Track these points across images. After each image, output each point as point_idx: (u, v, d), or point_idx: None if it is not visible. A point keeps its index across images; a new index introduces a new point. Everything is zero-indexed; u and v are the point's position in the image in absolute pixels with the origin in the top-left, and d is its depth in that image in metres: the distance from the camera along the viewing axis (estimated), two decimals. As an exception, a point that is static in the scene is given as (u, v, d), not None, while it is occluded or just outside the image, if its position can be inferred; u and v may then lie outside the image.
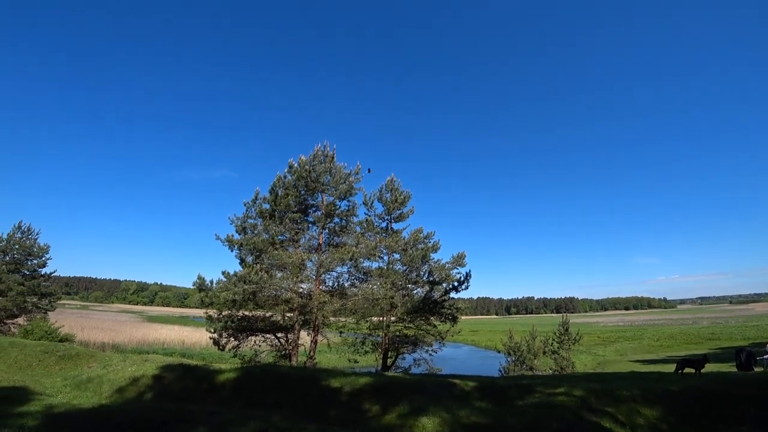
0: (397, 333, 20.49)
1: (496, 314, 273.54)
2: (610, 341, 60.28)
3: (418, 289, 20.78)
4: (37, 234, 30.06)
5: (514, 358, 24.46)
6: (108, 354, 17.42)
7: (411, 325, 20.67)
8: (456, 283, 19.86)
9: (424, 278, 20.44)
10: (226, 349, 17.80)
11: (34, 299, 29.16)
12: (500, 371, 24.46)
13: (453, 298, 20.70)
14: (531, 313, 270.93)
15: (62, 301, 38.02)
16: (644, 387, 9.11)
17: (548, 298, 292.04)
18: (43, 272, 30.41)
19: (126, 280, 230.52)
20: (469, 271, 19.90)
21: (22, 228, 29.54)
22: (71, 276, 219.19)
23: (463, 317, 22.95)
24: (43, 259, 30.19)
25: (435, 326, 20.96)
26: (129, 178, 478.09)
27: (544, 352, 25.88)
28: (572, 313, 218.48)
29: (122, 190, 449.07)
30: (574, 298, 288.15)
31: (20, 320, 28.39)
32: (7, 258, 28.64)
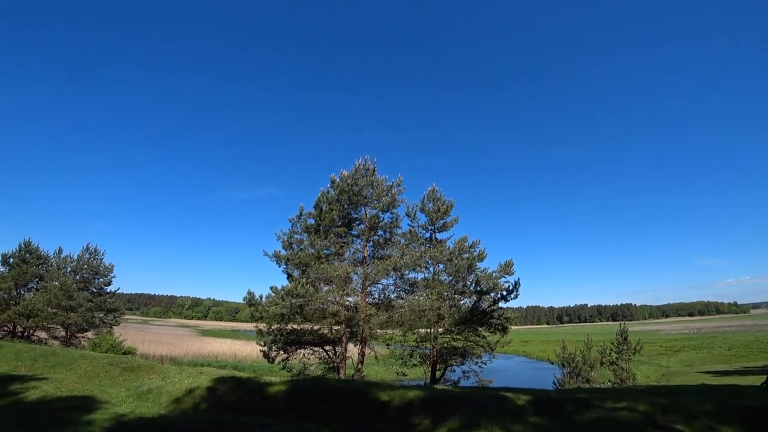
0: (445, 345, 20.08)
1: (547, 323, 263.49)
2: (675, 351, 56.11)
3: (466, 300, 20.32)
4: (103, 254, 32.21)
5: (568, 370, 23.27)
6: (166, 366, 18.21)
7: (459, 336, 20.21)
8: (504, 292, 19.27)
9: (471, 288, 19.97)
10: (276, 362, 18.15)
11: (101, 315, 31.12)
12: (554, 384, 23.36)
13: (502, 307, 20.07)
14: (584, 321, 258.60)
15: (125, 317, 40.42)
16: (719, 401, 8.17)
17: (603, 305, 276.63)
18: (108, 290, 32.46)
19: (182, 296, 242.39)
20: (518, 279, 19.27)
21: (90, 249, 31.74)
22: (133, 293, 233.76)
23: (512, 327, 22.17)
24: (108, 277, 32.25)
25: (484, 337, 20.39)
26: (183, 200, 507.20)
27: (602, 363, 24.47)
28: (630, 320, 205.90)
29: (177, 212, 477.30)
30: (631, 304, 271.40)
31: (89, 334, 30.40)
32: (78, 277, 30.82)
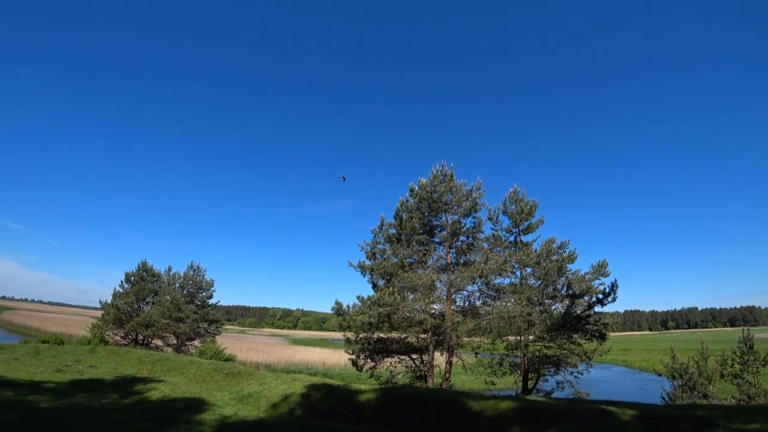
0: (537, 353, 19.06)
1: (650, 329, 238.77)
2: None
3: (557, 305, 19.18)
4: (204, 271, 35.51)
5: (680, 383, 20.73)
6: (263, 373, 19.44)
7: (552, 344, 19.08)
8: (600, 296, 17.86)
9: (563, 292, 18.84)
10: (364, 370, 18.51)
11: (205, 325, 34.23)
12: (663, 398, 20.99)
13: (598, 312, 18.66)
14: (694, 327, 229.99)
15: (225, 327, 43.90)
16: None
17: (717, 308, 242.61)
18: (210, 302, 35.61)
19: (273, 307, 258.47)
20: (615, 281, 17.80)
21: (194, 267, 35.19)
22: (230, 305, 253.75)
23: (610, 334, 20.46)
24: (210, 291, 35.40)
25: (579, 345, 19.01)
26: (272, 216, 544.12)
27: (722, 376, 21.45)
28: (754, 326, 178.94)
29: (267, 228, 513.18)
30: (754, 307, 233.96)
31: (196, 342, 33.61)
32: (185, 291, 34.22)
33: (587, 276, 18.79)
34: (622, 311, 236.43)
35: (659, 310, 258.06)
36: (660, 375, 23.35)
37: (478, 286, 18.00)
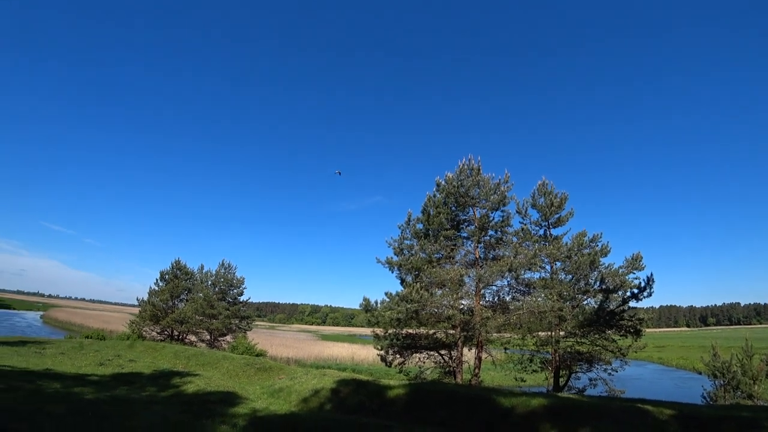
0: (569, 349, 18.62)
1: (687, 326, 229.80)
2: None
3: (589, 299, 18.66)
4: (235, 269, 36.38)
5: (722, 382, 19.79)
6: (293, 368, 19.81)
7: (584, 340, 18.62)
8: (635, 290, 17.31)
9: (595, 287, 18.34)
10: (392, 366, 18.57)
11: (236, 321, 35.08)
12: (704, 398, 20.12)
13: (633, 307, 18.10)
14: (737, 323, 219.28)
15: (255, 323, 44.84)
16: None
17: (762, 303, 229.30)
18: (241, 299, 36.47)
19: (302, 304, 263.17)
20: (651, 275, 17.20)
21: (225, 265, 36.08)
22: (261, 302, 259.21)
23: (646, 330, 19.77)
24: (241, 288, 36.25)
25: (614, 341, 18.49)
26: (300, 214, 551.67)
27: (768, 376, 20.36)
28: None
29: (296, 224, 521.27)
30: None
31: (228, 338, 34.52)
32: (216, 289, 35.15)
33: (621, 270, 18.22)
34: (657, 306, 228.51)
35: (698, 305, 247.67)
36: (700, 373, 22.30)
37: (508, 281, 17.75)
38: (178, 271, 35.62)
